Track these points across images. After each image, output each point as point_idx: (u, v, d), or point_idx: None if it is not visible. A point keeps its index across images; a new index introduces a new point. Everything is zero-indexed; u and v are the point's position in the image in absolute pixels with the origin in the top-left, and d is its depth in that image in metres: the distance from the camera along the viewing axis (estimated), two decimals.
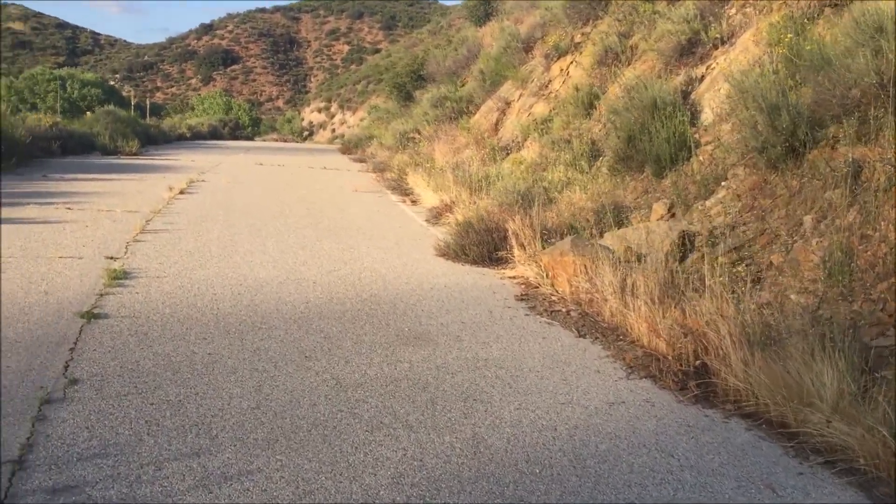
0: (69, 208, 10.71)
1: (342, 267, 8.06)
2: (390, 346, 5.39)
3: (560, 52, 16.05)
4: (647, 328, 5.75)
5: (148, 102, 67.02)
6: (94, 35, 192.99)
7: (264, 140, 50.89)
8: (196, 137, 39.22)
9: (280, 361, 4.90)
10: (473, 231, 8.90)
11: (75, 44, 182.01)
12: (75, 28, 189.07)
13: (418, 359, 5.16)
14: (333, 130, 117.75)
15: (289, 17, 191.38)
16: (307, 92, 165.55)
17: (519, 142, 15.08)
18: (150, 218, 10.42)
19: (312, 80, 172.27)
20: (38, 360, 4.54)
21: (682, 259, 7.49)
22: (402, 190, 16.26)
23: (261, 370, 4.71)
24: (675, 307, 5.71)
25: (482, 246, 8.66)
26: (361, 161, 24.52)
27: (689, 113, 9.58)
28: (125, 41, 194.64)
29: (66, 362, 4.56)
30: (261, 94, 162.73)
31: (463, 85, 27.56)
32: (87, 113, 26.82)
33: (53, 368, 4.44)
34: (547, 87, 16.07)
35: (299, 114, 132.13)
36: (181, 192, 13.27)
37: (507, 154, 15.09)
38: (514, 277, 8.00)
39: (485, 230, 8.87)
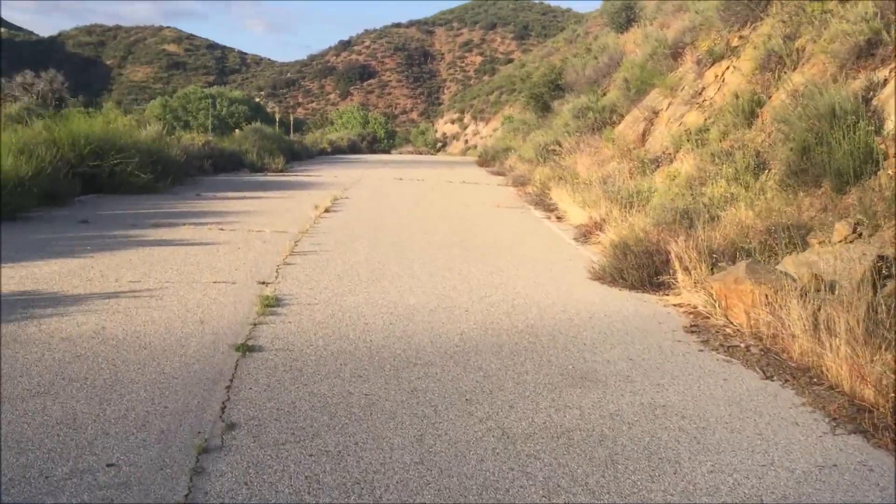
0: (221, 229, 10.91)
1: (493, 292, 7.69)
2: (556, 388, 4.94)
3: (714, 58, 15.11)
4: (849, 372, 5.02)
5: (291, 118, 69.53)
6: (242, 54, 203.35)
7: (400, 153, 51.63)
8: (336, 152, 40.21)
9: (440, 405, 4.54)
10: (631, 253, 8.31)
11: (224, 63, 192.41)
12: (224, 48, 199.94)
13: (588, 404, 4.69)
14: (466, 141, 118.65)
15: (423, 30, 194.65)
16: (440, 104, 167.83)
17: (670, 154, 14.28)
18: (298, 238, 10.43)
19: (445, 91, 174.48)
20: (196, 400, 4.39)
21: (876, 288, 6.64)
22: (546, 205, 15.78)
23: (420, 415, 4.37)
24: (884, 349, 4.96)
25: (641, 269, 8.06)
26: (500, 174, 24.21)
27: (873, 121, 8.63)
28: (269, 59, 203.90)
29: (223, 403, 4.38)
30: (395, 107, 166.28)
31: (604, 94, 26.78)
32: (236, 130, 27.86)
33: (211, 410, 4.27)
34: (700, 94, 15.17)
35: (433, 125, 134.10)
36: (326, 211, 13.34)
37: (657, 167, 14.32)
38: (679, 305, 7.36)
39: (644, 252, 8.26)
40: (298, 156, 30.70)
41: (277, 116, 66.57)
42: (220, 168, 21.23)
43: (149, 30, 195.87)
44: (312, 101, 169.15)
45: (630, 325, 6.62)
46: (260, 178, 20.41)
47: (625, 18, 30.30)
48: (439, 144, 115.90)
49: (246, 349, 5.38)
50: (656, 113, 18.37)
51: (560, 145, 21.70)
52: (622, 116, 21.35)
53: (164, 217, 11.91)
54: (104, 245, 9.29)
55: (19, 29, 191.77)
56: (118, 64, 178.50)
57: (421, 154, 54.37)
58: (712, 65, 15.40)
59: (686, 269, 7.62)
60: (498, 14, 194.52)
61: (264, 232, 10.87)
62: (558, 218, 13.95)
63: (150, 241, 9.67)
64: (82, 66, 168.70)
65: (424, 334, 6.05)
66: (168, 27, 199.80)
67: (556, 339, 6.07)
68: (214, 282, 7.61)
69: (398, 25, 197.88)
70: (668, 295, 7.71)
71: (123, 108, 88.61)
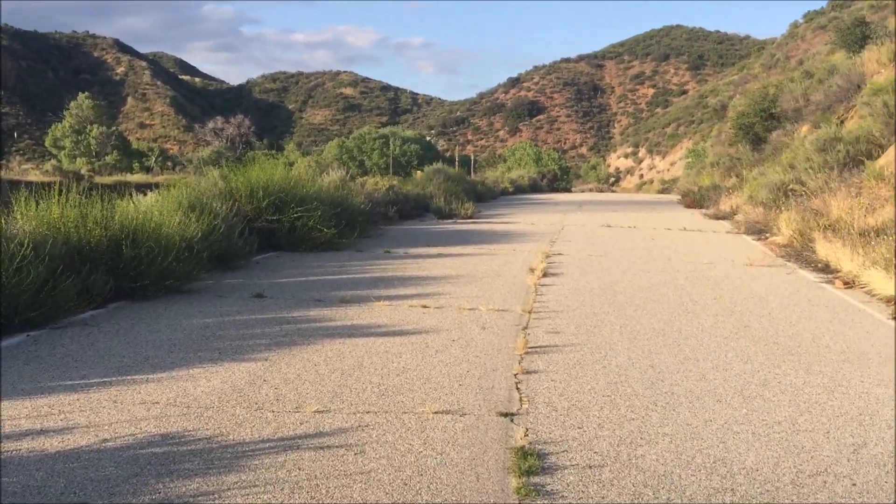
0: (425, 307, 8.47)
1: (876, 444, 4.63)
2: None
3: None
4: None
5: (472, 157, 68.50)
6: (413, 95, 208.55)
7: (581, 191, 48.60)
8: (518, 191, 37.87)
9: None
10: None
11: (396, 104, 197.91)
12: (397, 90, 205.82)
13: None
14: (641, 176, 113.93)
15: (592, 64, 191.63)
16: (611, 138, 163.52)
17: None
18: (525, 322, 7.81)
19: (616, 125, 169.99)
20: None
21: None
22: (812, 263, 12.37)
23: None
24: None
25: None
26: (719, 218, 20.71)
27: None
28: (440, 98, 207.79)
29: None
30: (565, 142, 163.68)
31: (841, 122, 22.73)
32: (418, 172, 26.02)
33: None
34: None
35: (604, 160, 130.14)
36: (544, 275, 10.68)
37: None
38: None
39: None
40: (482, 197, 28.50)
41: (456, 155, 65.69)
42: (406, 215, 19.23)
43: (327, 74, 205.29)
44: (482, 139, 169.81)
45: None
46: (450, 226, 18.14)
47: (859, 36, 26.00)
48: (612, 179, 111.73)
49: None
50: None
51: (802, 184, 18.03)
52: (883, 148, 17.44)
53: (351, 286, 9.67)
54: (282, 336, 7.05)
55: (212, 79, 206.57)
56: (299, 108, 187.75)
57: (603, 192, 51.08)
58: None
59: None
60: (671, 45, 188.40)
61: (479, 310, 8.32)
62: (845, 284, 10.54)
63: (339, 330, 7.35)
64: (267, 110, 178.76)
65: None
66: (345, 71, 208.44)
67: None
68: (435, 412, 5.07)
69: (567, 60, 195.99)
70: None
71: (303, 150, 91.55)
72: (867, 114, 20.78)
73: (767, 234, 16.41)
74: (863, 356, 6.83)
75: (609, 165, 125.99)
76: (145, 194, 11.21)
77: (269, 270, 10.87)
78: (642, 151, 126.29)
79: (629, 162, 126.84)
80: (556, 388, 5.70)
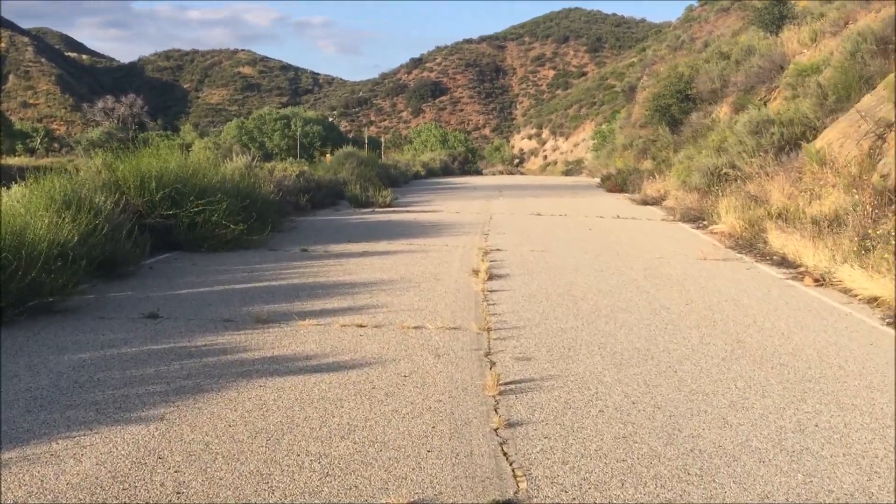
0: (361, 325, 6.95)
1: None
2: None
3: None
4: None
5: (381, 140, 66.69)
6: (314, 75, 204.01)
7: (493, 174, 47.62)
8: (430, 175, 36.43)
9: None
10: None
11: (297, 84, 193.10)
12: (297, 69, 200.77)
13: None
14: (545, 157, 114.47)
15: (494, 45, 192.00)
16: (513, 119, 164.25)
17: None
18: (486, 345, 6.43)
19: (518, 107, 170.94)
20: None
21: None
22: (767, 256, 11.50)
23: None
24: None
25: None
26: (648, 203, 19.87)
27: None
28: (341, 79, 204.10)
29: None
30: (468, 124, 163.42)
31: (764, 103, 22.27)
32: (327, 155, 24.29)
33: None
34: None
35: (508, 141, 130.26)
36: (489, 277, 9.32)
37: None
38: None
39: None
40: (396, 182, 26.94)
41: (365, 137, 63.88)
42: (319, 203, 17.53)
43: (224, 53, 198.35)
44: (385, 120, 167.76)
45: None
46: (368, 216, 16.56)
47: (776, 16, 25.65)
48: (517, 160, 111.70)
49: None
50: (891, 126, 13.85)
51: (736, 168, 17.32)
52: (818, 131, 16.87)
53: (267, 298, 8.06)
54: (183, 378, 5.43)
55: (101, 56, 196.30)
56: (195, 87, 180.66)
57: (514, 174, 50.20)
58: None
59: None
60: (570, 27, 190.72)
61: (426, 329, 6.89)
62: (816, 281, 9.63)
63: (258, 366, 5.77)
64: (161, 90, 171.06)
65: None
66: (243, 50, 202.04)
67: None
68: None
69: (469, 41, 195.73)
70: None
71: (200, 130, 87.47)
72: (792, 95, 20.33)
73: (705, 222, 15.60)
74: (885, 380, 5.77)
75: (513, 147, 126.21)
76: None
77: (166, 278, 9.09)
78: (546, 133, 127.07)
79: (533, 143, 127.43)
80: (555, 451, 4.34)
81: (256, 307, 7.56)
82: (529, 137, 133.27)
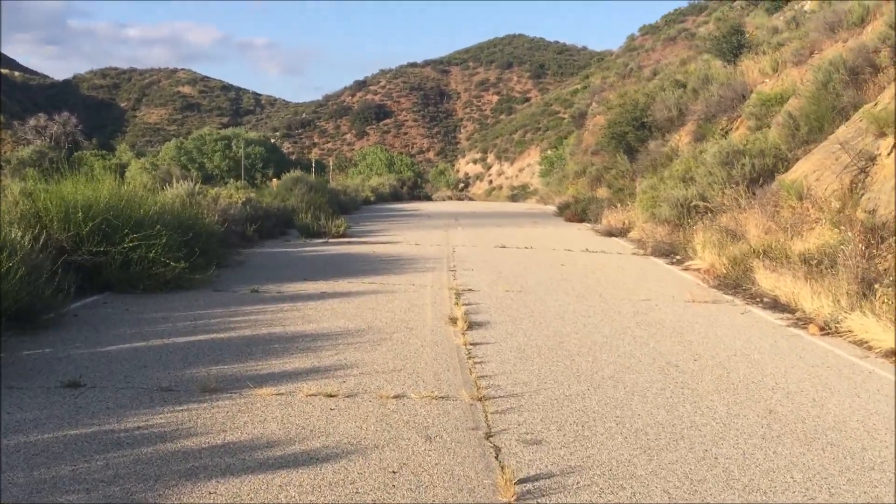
0: (331, 395, 5.78)
1: None
2: None
3: None
4: None
5: (330, 163, 65.43)
6: (256, 95, 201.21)
7: (442, 199, 46.68)
8: (379, 199, 35.27)
9: None
10: None
11: (239, 105, 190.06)
12: (238, 90, 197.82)
13: None
14: (490, 182, 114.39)
15: (438, 70, 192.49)
16: (457, 143, 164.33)
17: None
18: (484, 422, 5.34)
19: (462, 131, 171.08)
20: None
21: None
22: (757, 297, 10.71)
23: None
24: None
25: None
26: (612, 234, 19.10)
27: None
28: (284, 100, 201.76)
29: None
30: (412, 147, 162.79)
31: (725, 132, 21.81)
32: (273, 180, 23.00)
33: None
34: None
35: (452, 165, 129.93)
36: (468, 326, 8.24)
37: None
38: None
39: None
40: (346, 208, 25.74)
41: (312, 160, 62.68)
42: (267, 233, 16.23)
43: (163, 72, 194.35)
44: (328, 142, 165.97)
45: None
46: (322, 248, 15.33)
47: (734, 45, 25.36)
48: (461, 185, 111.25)
49: None
50: (873, 158, 13.30)
51: (705, 200, 16.65)
52: (790, 163, 16.33)
53: (215, 356, 6.83)
54: (107, 485, 4.17)
55: (34, 73, 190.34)
56: (132, 106, 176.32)
57: (462, 199, 49.37)
58: None
59: None
60: (514, 53, 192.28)
61: (409, 399, 5.76)
62: (822, 330, 8.82)
63: (204, 459, 4.55)
64: (96, 108, 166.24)
65: None
66: (182, 69, 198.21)
67: None
68: None
69: (413, 65, 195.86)
70: None
71: (137, 150, 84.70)
72: (756, 125, 19.88)
73: (679, 257, 14.84)
74: None
75: (458, 171, 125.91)
76: None
77: (92, 329, 7.76)
78: (491, 157, 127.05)
79: (478, 168, 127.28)
80: None
81: (202, 369, 6.34)
82: (475, 162, 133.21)
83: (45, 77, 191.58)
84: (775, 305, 10.33)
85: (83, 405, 5.40)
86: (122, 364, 6.48)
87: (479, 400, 5.83)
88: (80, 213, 9.32)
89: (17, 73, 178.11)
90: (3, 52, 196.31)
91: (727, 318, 9.50)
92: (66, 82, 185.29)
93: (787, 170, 16.19)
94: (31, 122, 75.26)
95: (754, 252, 12.14)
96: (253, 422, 5.18)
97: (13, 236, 7.91)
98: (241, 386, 5.92)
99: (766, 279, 11.10)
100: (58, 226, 9.17)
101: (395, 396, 5.82)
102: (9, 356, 6.57)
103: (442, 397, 5.85)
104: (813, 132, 16.07)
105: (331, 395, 5.77)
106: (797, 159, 16.21)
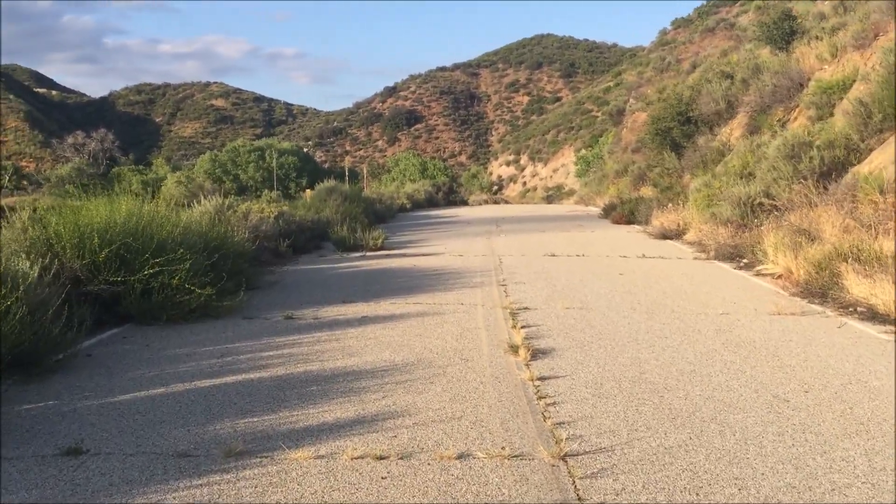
0: (381, 458, 4.77)
1: None
2: None
3: None
4: None
5: (364, 170, 64.75)
6: (288, 105, 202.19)
7: (479, 203, 45.60)
8: (415, 206, 34.33)
9: None
10: None
11: (271, 115, 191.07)
12: (270, 100, 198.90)
13: None
14: (524, 183, 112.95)
15: (468, 72, 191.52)
16: (489, 146, 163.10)
17: None
18: (577, 499, 4.28)
19: (494, 133, 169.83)
20: None
21: None
22: (850, 307, 9.49)
23: None
24: None
25: None
26: (666, 237, 17.89)
27: None
28: (315, 109, 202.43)
29: None
30: (444, 151, 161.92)
31: (783, 124, 20.46)
32: (307, 190, 22.15)
33: None
34: None
35: (485, 168, 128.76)
36: (532, 355, 7.18)
37: None
38: None
39: None
40: (382, 217, 24.82)
41: (346, 169, 62.02)
42: (301, 248, 15.33)
43: (196, 86, 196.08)
44: (360, 149, 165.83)
45: None
46: (360, 263, 14.36)
47: (786, 31, 23.96)
48: (495, 188, 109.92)
49: None
50: None
51: (770, 198, 15.38)
52: (862, 154, 15.02)
53: (243, 405, 5.85)
54: None
55: (71, 91, 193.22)
56: (167, 121, 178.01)
57: (498, 203, 48.27)
58: None
59: None
60: (543, 53, 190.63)
61: (476, 460, 4.73)
62: None
63: None
64: (132, 124, 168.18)
65: None
66: (215, 82, 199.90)
67: None
68: None
69: (443, 69, 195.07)
70: None
71: (173, 164, 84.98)
72: (817, 114, 18.55)
73: (746, 261, 13.60)
74: None
75: (491, 173, 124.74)
76: None
77: (106, 372, 6.84)
78: (524, 158, 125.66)
79: (511, 169, 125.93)
80: None
81: (228, 423, 5.37)
82: (507, 164, 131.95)
83: (83, 95, 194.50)
84: (874, 316, 9.12)
85: (81, 481, 4.44)
86: (135, 419, 5.53)
87: (562, 459, 4.76)
88: (95, 239, 8.44)
89: (54, 92, 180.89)
90: (40, 71, 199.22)
91: (823, 333, 8.32)
92: (102, 99, 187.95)
93: (860, 161, 14.91)
94: (70, 139, 75.90)
95: (840, 254, 10.90)
96: (287, 501, 4.18)
97: (16, 268, 7.03)
98: (273, 447, 4.93)
99: (859, 286, 9.86)
100: (71, 253, 8.30)
101: (459, 457, 4.79)
102: (7, 411, 5.66)
103: (515, 456, 4.80)
104: (888, 119, 14.75)
105: (381, 458, 4.75)
106: (870, 150, 14.92)
